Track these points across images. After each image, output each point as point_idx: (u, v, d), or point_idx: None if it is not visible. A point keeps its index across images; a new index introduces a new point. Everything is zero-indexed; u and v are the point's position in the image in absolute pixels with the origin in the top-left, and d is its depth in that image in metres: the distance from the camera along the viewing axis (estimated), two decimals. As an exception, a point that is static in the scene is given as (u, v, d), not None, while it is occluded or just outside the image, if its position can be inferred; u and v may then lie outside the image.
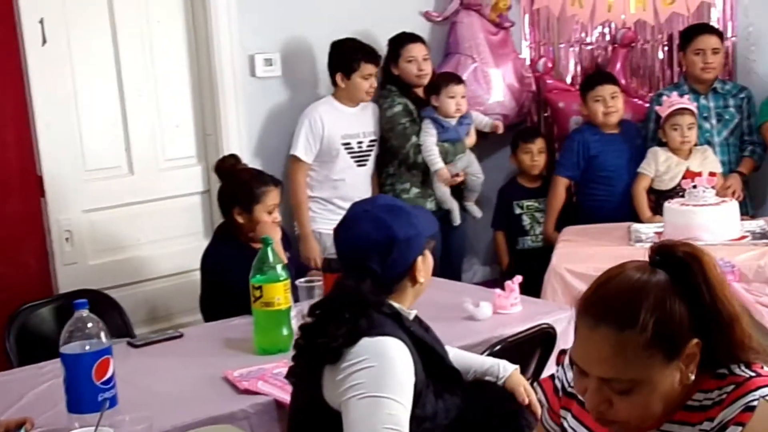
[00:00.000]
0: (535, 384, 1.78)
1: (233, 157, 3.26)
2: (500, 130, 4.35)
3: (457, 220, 4.25)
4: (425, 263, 2.05)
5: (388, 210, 2.01)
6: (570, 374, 1.58)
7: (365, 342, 1.87)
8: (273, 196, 3.10)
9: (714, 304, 1.37)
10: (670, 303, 1.35)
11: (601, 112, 4.26)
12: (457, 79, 4.16)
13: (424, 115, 4.15)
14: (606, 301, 1.37)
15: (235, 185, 3.11)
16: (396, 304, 2.00)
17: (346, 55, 3.96)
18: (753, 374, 1.38)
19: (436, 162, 4.10)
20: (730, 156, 4.30)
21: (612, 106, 4.26)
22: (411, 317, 2.04)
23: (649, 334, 1.33)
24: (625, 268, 1.40)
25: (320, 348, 1.89)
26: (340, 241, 2.04)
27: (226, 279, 2.99)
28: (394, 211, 2.01)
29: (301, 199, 3.97)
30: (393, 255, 1.96)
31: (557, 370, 1.64)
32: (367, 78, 3.95)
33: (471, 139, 4.26)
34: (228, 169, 3.17)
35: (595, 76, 4.54)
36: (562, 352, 1.69)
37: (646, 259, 1.43)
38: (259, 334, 2.62)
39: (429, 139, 4.10)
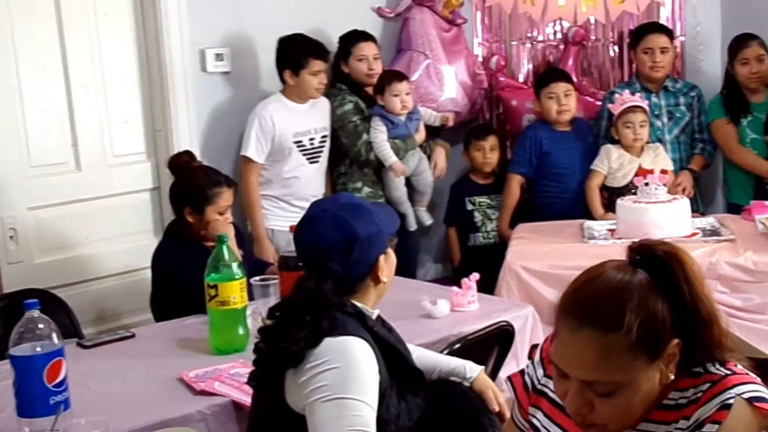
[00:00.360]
0: (504, 379, 1.76)
1: (188, 154, 3.20)
2: (450, 123, 4.35)
3: (412, 225, 4.25)
4: (388, 262, 2.03)
5: (348, 208, 1.98)
6: (540, 371, 1.57)
7: (328, 342, 1.84)
8: (226, 197, 3.06)
9: (694, 304, 1.36)
10: (653, 303, 1.34)
11: (554, 109, 4.29)
12: (399, 77, 4.14)
13: (372, 113, 4.13)
14: (589, 303, 1.35)
15: (188, 185, 3.05)
16: (359, 304, 1.98)
17: (294, 52, 3.92)
18: (728, 372, 1.38)
19: (390, 156, 4.08)
20: (681, 153, 4.36)
21: (565, 104, 4.29)
22: (374, 317, 2.02)
23: (634, 336, 1.31)
24: (606, 268, 1.39)
25: (281, 352, 1.86)
26: (299, 242, 2.01)
27: (178, 277, 2.94)
28: (354, 210, 1.98)
29: (254, 200, 3.93)
30: (354, 254, 1.93)
31: (527, 366, 1.63)
32: (315, 74, 3.91)
33: (420, 135, 4.25)
34: (182, 166, 3.11)
35: (549, 73, 4.57)
36: (534, 347, 1.69)
37: (621, 258, 1.43)
38: (214, 333, 2.57)
39: (379, 135, 4.09)
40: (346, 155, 4.18)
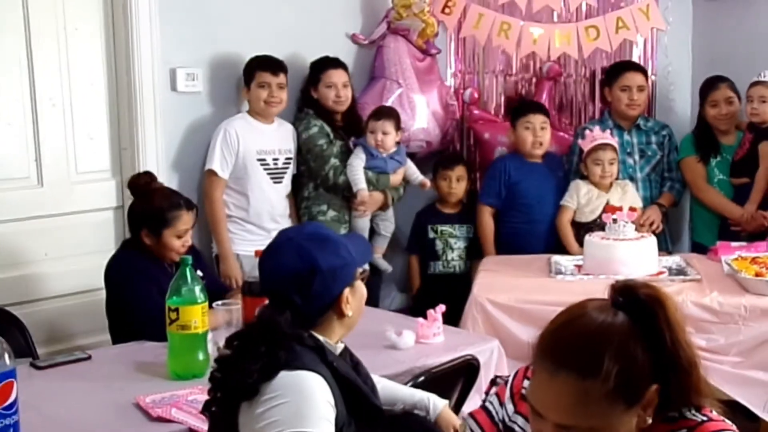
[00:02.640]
0: (467, 415, 1.73)
1: (148, 175, 3.18)
2: (426, 187, 4.36)
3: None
4: (355, 296, 1.99)
5: (313, 239, 1.95)
6: (510, 407, 1.54)
7: (283, 376, 1.80)
8: (185, 221, 3.03)
9: (675, 350, 1.34)
10: (633, 349, 1.31)
11: (529, 141, 4.30)
12: (377, 115, 4.16)
13: (356, 143, 4.15)
14: (568, 346, 1.33)
15: (146, 206, 3.03)
16: (321, 337, 1.93)
17: (247, 68, 3.98)
18: (705, 418, 1.36)
19: (360, 182, 4.07)
20: (652, 191, 4.39)
21: (540, 136, 4.31)
22: (337, 351, 1.98)
23: (612, 384, 1.29)
24: (587, 309, 1.37)
25: (235, 383, 1.82)
26: (262, 270, 1.99)
27: (132, 289, 2.91)
28: (319, 240, 1.95)
29: (219, 216, 3.89)
30: (315, 287, 1.89)
31: (489, 402, 1.60)
32: (263, 86, 3.91)
33: (397, 178, 4.22)
34: (142, 187, 3.08)
35: (527, 104, 4.60)
36: (493, 381, 1.66)
37: (588, 295, 1.41)
38: (173, 358, 2.53)
39: (357, 161, 4.09)
40: (311, 179, 4.16)
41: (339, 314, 1.96)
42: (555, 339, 1.35)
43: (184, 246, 3.03)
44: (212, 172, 3.88)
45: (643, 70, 4.48)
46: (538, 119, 4.31)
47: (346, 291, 1.95)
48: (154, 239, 2.99)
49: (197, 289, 2.53)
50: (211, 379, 1.91)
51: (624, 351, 1.30)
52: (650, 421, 1.34)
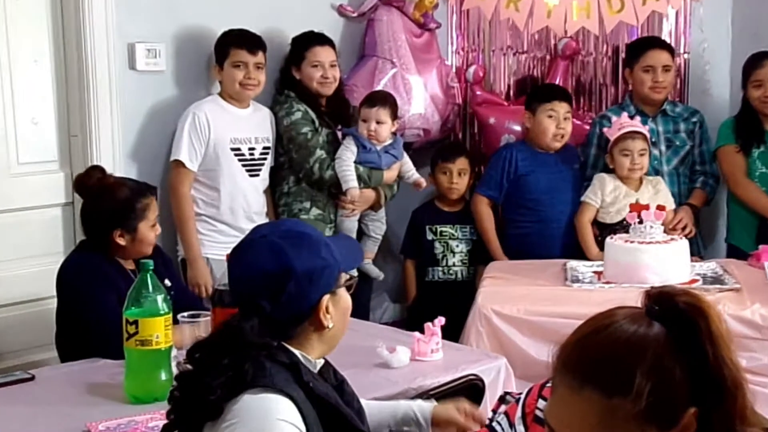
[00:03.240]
0: None
1: (98, 170, 3.15)
2: (422, 188, 4.37)
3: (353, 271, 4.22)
4: (337, 305, 1.97)
5: (289, 236, 1.94)
6: (521, 430, 1.54)
7: (246, 399, 1.79)
8: (154, 208, 3.08)
9: (718, 368, 1.33)
10: (669, 365, 1.30)
11: (551, 130, 4.31)
12: (370, 101, 4.17)
13: (346, 132, 4.16)
14: (594, 359, 1.32)
15: (112, 203, 3.02)
16: (298, 353, 1.93)
17: (219, 44, 3.97)
18: None
19: (351, 179, 4.07)
20: (680, 187, 4.40)
21: (563, 127, 4.32)
22: (316, 369, 1.97)
23: (644, 404, 1.29)
24: (616, 318, 1.36)
25: (196, 402, 1.82)
26: (231, 271, 1.98)
27: (90, 297, 2.90)
28: (297, 238, 1.94)
29: (187, 214, 3.90)
30: (288, 291, 1.88)
31: (497, 422, 1.62)
32: (238, 65, 3.92)
33: (391, 174, 4.24)
34: (95, 186, 3.07)
35: (551, 88, 4.59)
36: (501, 399, 1.66)
37: (635, 304, 1.39)
38: (131, 378, 2.52)
39: (347, 154, 4.09)
40: (292, 172, 4.17)
41: (317, 326, 1.94)
42: (579, 351, 1.34)
43: (157, 236, 3.08)
44: (179, 164, 3.88)
45: (669, 48, 4.49)
46: (563, 108, 4.32)
47: (326, 299, 1.93)
48: (130, 237, 3.01)
49: (159, 298, 2.52)
50: (170, 399, 1.90)
51: (659, 367, 1.30)
52: None
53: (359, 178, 4.11)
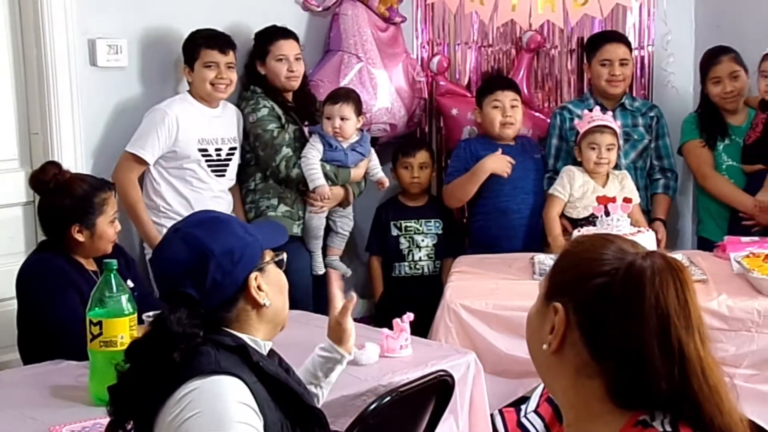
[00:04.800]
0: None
1: (55, 166, 3.12)
2: (384, 187, 4.36)
3: (320, 268, 4.24)
4: (269, 281, 1.98)
5: (200, 224, 1.97)
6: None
7: (194, 385, 1.79)
8: (112, 203, 3.08)
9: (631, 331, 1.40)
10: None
11: (498, 120, 4.32)
12: (333, 98, 4.14)
13: (312, 131, 4.13)
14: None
15: (69, 199, 3.00)
16: (243, 335, 1.93)
17: (188, 44, 3.95)
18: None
19: (318, 178, 4.05)
20: (638, 181, 4.40)
21: (511, 115, 4.33)
22: (265, 350, 1.98)
23: (555, 262, 1.53)
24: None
25: (134, 400, 1.83)
26: (153, 269, 2.01)
27: (50, 298, 2.88)
28: (208, 223, 1.97)
29: (136, 197, 3.86)
30: (211, 274, 1.88)
31: (524, 415, 1.68)
32: (209, 66, 3.90)
33: (359, 172, 4.22)
34: (52, 182, 3.03)
35: (494, 79, 4.63)
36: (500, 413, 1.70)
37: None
38: (95, 379, 2.49)
39: (313, 152, 4.07)
40: (258, 169, 4.15)
41: (254, 304, 1.95)
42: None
43: (116, 232, 3.06)
44: (135, 156, 3.83)
45: (626, 41, 4.51)
46: (507, 96, 4.33)
47: (254, 276, 1.94)
48: (89, 233, 3.00)
49: (124, 298, 2.50)
50: (109, 398, 1.89)
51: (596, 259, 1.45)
52: (545, 347, 1.45)
53: (326, 176, 4.08)
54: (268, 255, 2.01)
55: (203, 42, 3.91)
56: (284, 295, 2.03)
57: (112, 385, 1.89)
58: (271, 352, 2.03)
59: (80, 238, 2.99)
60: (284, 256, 2.06)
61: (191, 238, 1.91)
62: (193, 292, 1.87)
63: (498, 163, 4.24)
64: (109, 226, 3.03)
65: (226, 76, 3.92)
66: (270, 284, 1.98)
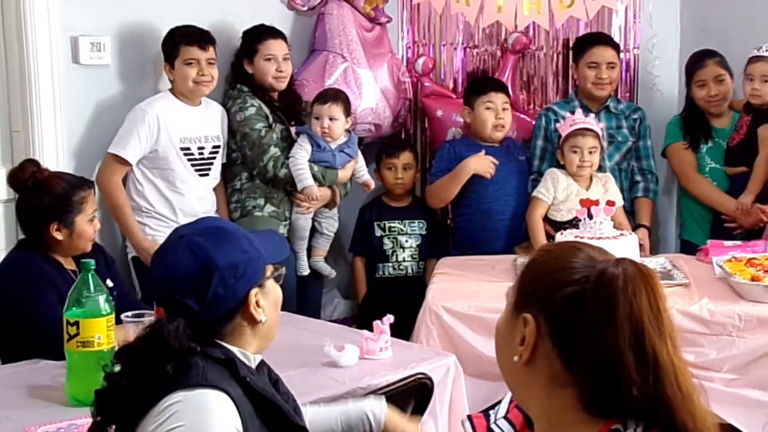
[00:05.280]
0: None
1: (33, 164, 3.11)
2: (370, 189, 4.37)
3: (304, 269, 4.24)
4: (267, 297, 1.96)
5: (207, 233, 1.93)
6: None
7: (179, 396, 1.78)
8: (91, 202, 3.06)
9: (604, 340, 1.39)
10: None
11: (491, 122, 4.32)
12: (322, 98, 4.14)
13: (300, 131, 4.12)
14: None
15: (46, 197, 2.99)
16: (233, 348, 1.91)
17: (168, 42, 3.93)
18: None
19: (306, 178, 4.04)
20: (622, 183, 4.41)
21: (503, 118, 4.33)
22: (254, 364, 1.96)
23: (521, 269, 1.52)
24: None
25: (123, 402, 1.82)
26: (152, 275, 1.97)
27: (28, 297, 2.87)
28: (215, 234, 1.93)
29: (121, 200, 3.85)
30: (213, 287, 1.86)
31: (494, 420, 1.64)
32: (190, 63, 3.87)
33: (346, 174, 4.21)
34: (30, 180, 3.02)
35: (486, 80, 4.62)
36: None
37: None
38: (72, 380, 2.48)
39: (301, 152, 4.06)
40: (246, 168, 4.13)
41: (250, 320, 1.93)
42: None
43: (95, 231, 3.05)
44: (117, 157, 3.82)
45: (614, 44, 4.51)
46: (499, 98, 4.33)
47: (254, 292, 1.92)
48: (67, 232, 2.98)
49: (101, 298, 2.48)
50: (95, 400, 1.87)
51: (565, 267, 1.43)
52: (517, 359, 1.44)
53: (313, 177, 4.07)
54: (269, 270, 1.99)
55: (182, 39, 3.89)
56: (278, 310, 2.02)
57: (100, 388, 1.88)
58: (261, 363, 2.02)
59: (59, 236, 2.98)
60: (283, 271, 2.04)
61: (197, 248, 1.89)
62: (193, 304, 1.86)
63: (481, 164, 4.24)
64: (88, 225, 3.01)
65: (207, 72, 3.90)
66: (267, 300, 1.96)
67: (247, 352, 1.94)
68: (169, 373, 1.79)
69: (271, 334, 2.01)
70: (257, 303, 1.93)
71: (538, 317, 1.42)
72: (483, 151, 4.27)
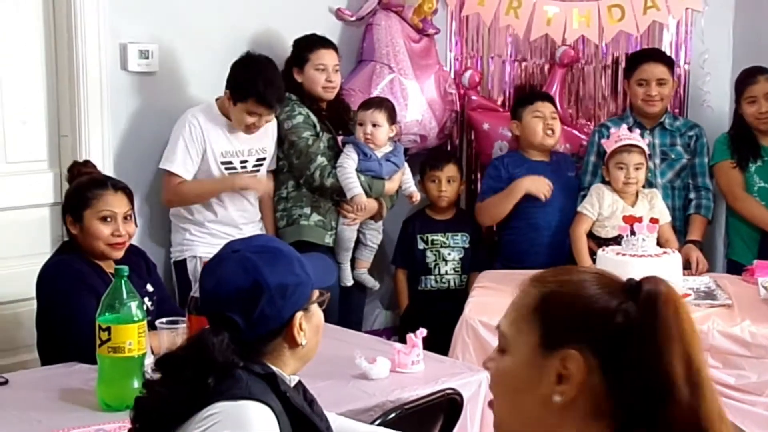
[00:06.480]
0: None
1: (90, 165, 3.19)
2: (415, 201, 4.36)
3: (348, 279, 4.24)
4: (311, 321, 1.96)
5: (262, 251, 1.94)
6: None
7: (222, 406, 1.77)
8: (108, 201, 3.01)
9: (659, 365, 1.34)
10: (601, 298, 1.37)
11: (540, 129, 4.30)
12: (366, 105, 4.14)
13: (346, 141, 4.11)
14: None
15: (70, 189, 3.07)
16: (273, 367, 1.91)
17: (239, 78, 3.81)
18: None
19: (355, 186, 4.03)
20: (675, 201, 4.35)
21: (552, 125, 4.30)
22: (292, 383, 1.96)
23: (542, 300, 1.39)
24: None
25: (162, 410, 1.82)
26: (202, 286, 1.97)
27: (67, 300, 2.87)
28: (269, 254, 1.93)
29: (189, 188, 3.88)
30: (261, 306, 1.87)
31: None
32: (251, 114, 3.80)
33: (392, 186, 4.19)
34: (77, 174, 3.11)
35: (532, 93, 4.60)
36: None
37: None
38: (103, 385, 2.49)
39: (348, 161, 4.05)
40: (292, 177, 4.13)
41: (291, 343, 1.93)
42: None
43: (116, 236, 2.99)
44: (172, 174, 3.83)
45: (667, 61, 4.44)
46: (547, 108, 4.32)
47: (299, 315, 1.92)
48: (78, 227, 2.99)
49: (134, 305, 2.49)
50: (134, 407, 1.88)
51: (587, 292, 1.38)
52: (557, 399, 1.34)
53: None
54: (315, 294, 1.99)
55: (255, 95, 3.77)
56: (320, 335, 2.02)
57: (140, 395, 1.89)
58: (298, 383, 2.02)
59: (73, 230, 3.01)
60: (328, 296, 2.04)
61: (250, 265, 1.89)
62: (239, 320, 1.86)
63: (536, 185, 4.22)
64: (99, 224, 2.97)
65: (262, 125, 3.87)
66: (310, 324, 1.96)
67: (284, 373, 1.94)
68: (210, 385, 1.79)
69: (309, 356, 2.00)
70: (300, 326, 1.93)
71: (583, 351, 1.34)
72: (539, 177, 4.25)
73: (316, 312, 2.00)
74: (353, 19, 4.57)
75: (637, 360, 1.33)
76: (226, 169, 3.92)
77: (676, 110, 4.73)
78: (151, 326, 2.65)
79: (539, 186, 4.21)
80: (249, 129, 3.86)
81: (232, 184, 3.91)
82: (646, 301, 1.34)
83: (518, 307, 1.42)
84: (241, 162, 3.96)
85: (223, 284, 1.89)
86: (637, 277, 1.45)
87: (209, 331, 1.87)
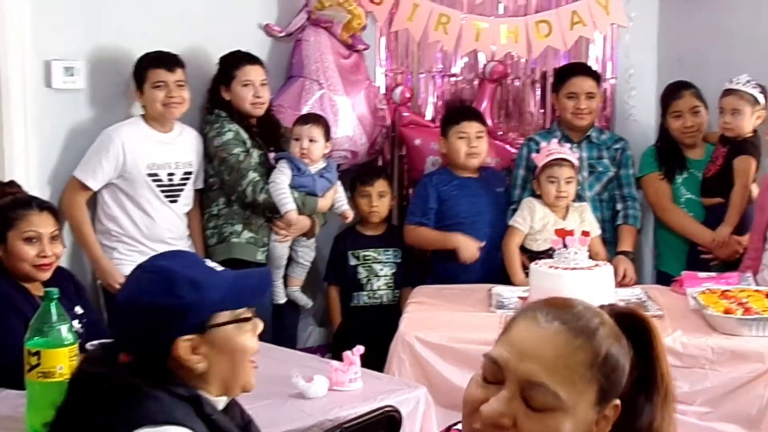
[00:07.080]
0: None
1: (13, 185, 3.16)
2: (348, 220, 4.35)
3: (280, 297, 4.24)
4: (212, 345, 1.85)
5: (150, 269, 1.88)
6: None
7: None
8: (33, 222, 2.97)
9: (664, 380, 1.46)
10: (624, 347, 1.41)
11: (463, 151, 4.31)
12: (303, 120, 4.14)
13: (280, 156, 4.09)
14: (565, 306, 1.40)
15: None
16: (197, 390, 1.85)
17: (137, 68, 3.92)
18: None
19: (288, 202, 4.00)
20: (603, 213, 4.41)
21: (476, 146, 4.32)
22: (219, 406, 1.90)
23: (602, 358, 1.35)
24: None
25: None
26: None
27: None
28: (156, 271, 1.86)
29: (81, 219, 3.85)
30: (137, 327, 1.83)
31: None
32: (158, 86, 3.85)
33: (325, 203, 4.18)
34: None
35: (460, 110, 4.61)
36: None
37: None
38: (32, 411, 2.42)
39: (282, 177, 4.02)
40: (223, 194, 4.10)
41: (186, 367, 1.84)
42: (549, 301, 1.43)
43: (42, 257, 2.95)
44: (78, 182, 3.83)
45: (594, 75, 4.51)
46: (473, 128, 4.33)
47: (184, 340, 1.82)
48: (2, 248, 2.95)
49: (64, 328, 2.42)
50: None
51: (617, 339, 1.39)
52: None
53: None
54: (224, 316, 1.87)
55: (150, 63, 3.88)
56: (236, 357, 1.88)
57: (49, 421, 1.83)
58: (232, 403, 1.95)
59: None
60: (244, 313, 1.91)
61: (135, 282, 1.88)
62: (125, 340, 1.84)
63: (468, 250, 4.25)
64: (23, 245, 2.94)
65: (176, 94, 3.88)
66: (213, 348, 1.85)
67: (208, 396, 1.87)
68: (123, 408, 1.73)
69: (230, 381, 1.90)
70: (194, 350, 1.83)
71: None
72: (481, 243, 4.28)
73: (223, 335, 1.86)
74: (282, 35, 4.55)
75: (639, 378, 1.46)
76: (153, 181, 3.90)
77: (603, 124, 4.80)
78: (81, 349, 2.59)
79: (469, 252, 4.24)
80: (168, 107, 3.88)
81: None
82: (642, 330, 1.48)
83: (570, 364, 1.34)
84: (168, 174, 3.95)
85: (122, 300, 1.89)
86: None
87: (110, 349, 1.85)
